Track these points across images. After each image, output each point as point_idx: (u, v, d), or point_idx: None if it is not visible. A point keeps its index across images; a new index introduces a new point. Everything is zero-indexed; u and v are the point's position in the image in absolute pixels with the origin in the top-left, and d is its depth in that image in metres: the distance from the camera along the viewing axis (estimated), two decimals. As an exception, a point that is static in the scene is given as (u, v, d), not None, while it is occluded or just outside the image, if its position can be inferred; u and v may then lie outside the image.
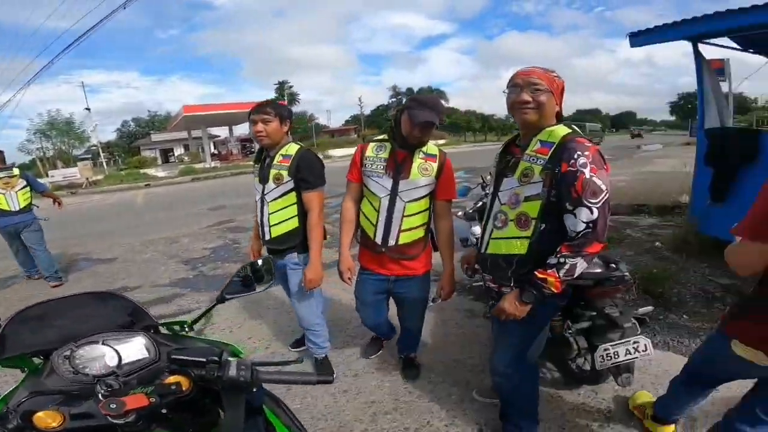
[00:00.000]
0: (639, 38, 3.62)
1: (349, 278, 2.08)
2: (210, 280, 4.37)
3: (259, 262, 1.33)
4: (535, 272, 1.32)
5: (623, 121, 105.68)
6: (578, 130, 1.33)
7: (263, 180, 2.04)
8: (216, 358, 0.75)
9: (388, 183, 1.86)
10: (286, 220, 2.04)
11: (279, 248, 2.08)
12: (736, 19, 3.03)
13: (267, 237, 2.09)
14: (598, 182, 1.22)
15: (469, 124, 53.34)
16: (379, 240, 1.92)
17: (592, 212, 1.22)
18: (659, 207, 5.61)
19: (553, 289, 1.30)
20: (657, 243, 4.28)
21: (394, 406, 2.11)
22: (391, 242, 1.90)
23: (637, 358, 1.73)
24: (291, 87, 54.64)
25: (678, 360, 2.29)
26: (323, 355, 2.43)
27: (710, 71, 3.70)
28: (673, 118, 76.01)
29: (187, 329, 1.07)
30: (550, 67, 1.36)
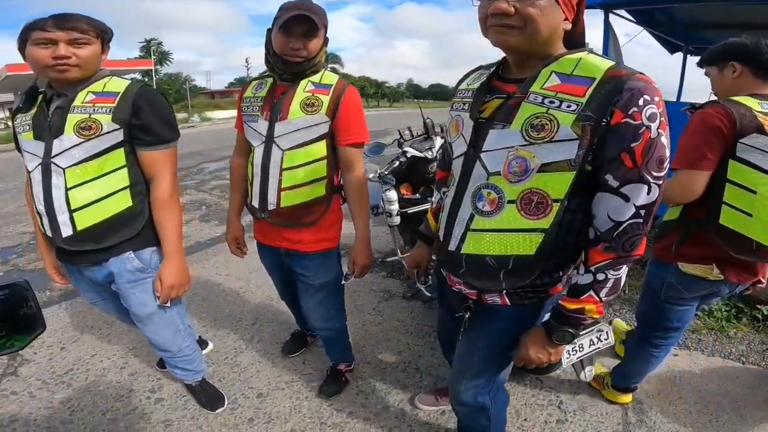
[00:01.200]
0: None
1: (238, 249, 1.69)
2: (30, 277, 3.09)
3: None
4: (561, 303, 0.89)
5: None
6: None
7: (49, 134, 1.18)
8: None
9: (263, 127, 1.37)
10: (105, 198, 1.22)
11: (94, 249, 1.25)
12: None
13: (68, 232, 1.21)
14: (666, 144, 0.78)
15: (363, 90, 53.25)
16: (256, 203, 1.45)
17: (650, 191, 0.77)
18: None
19: (595, 317, 0.88)
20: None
21: (320, 435, 1.61)
22: (271, 205, 1.41)
23: (600, 348, 1.51)
24: (161, 44, 45.92)
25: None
26: (200, 378, 1.75)
27: (616, 39, 3.84)
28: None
29: None
30: None
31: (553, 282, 0.94)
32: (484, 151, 0.88)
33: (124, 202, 1.25)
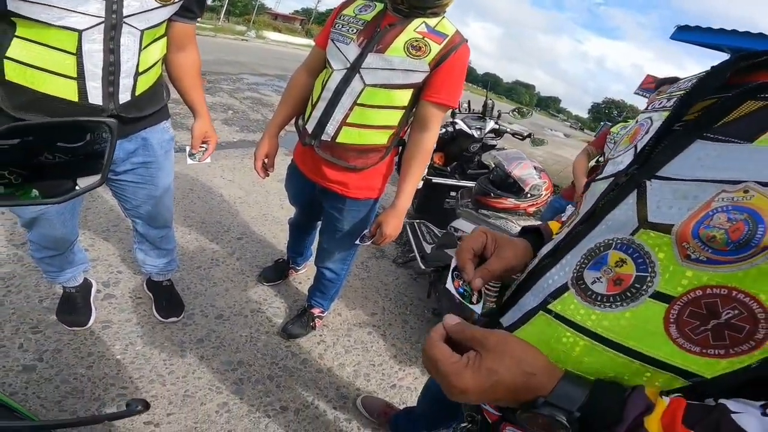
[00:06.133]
0: (684, 33, 3.53)
1: (262, 168, 1.46)
2: None
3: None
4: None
5: (547, 104, 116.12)
6: None
7: None
8: None
9: (353, 53, 1.20)
10: (155, 65, 1.15)
11: (140, 116, 1.16)
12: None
13: (126, 98, 1.08)
14: None
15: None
16: (310, 127, 1.29)
17: None
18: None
19: None
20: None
21: (269, 373, 1.56)
22: (326, 136, 1.26)
23: None
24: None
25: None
26: (173, 270, 1.67)
27: None
28: (587, 116, 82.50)
29: None
30: None
31: None
32: (659, 177, 0.41)
33: (159, 70, 1.20)
